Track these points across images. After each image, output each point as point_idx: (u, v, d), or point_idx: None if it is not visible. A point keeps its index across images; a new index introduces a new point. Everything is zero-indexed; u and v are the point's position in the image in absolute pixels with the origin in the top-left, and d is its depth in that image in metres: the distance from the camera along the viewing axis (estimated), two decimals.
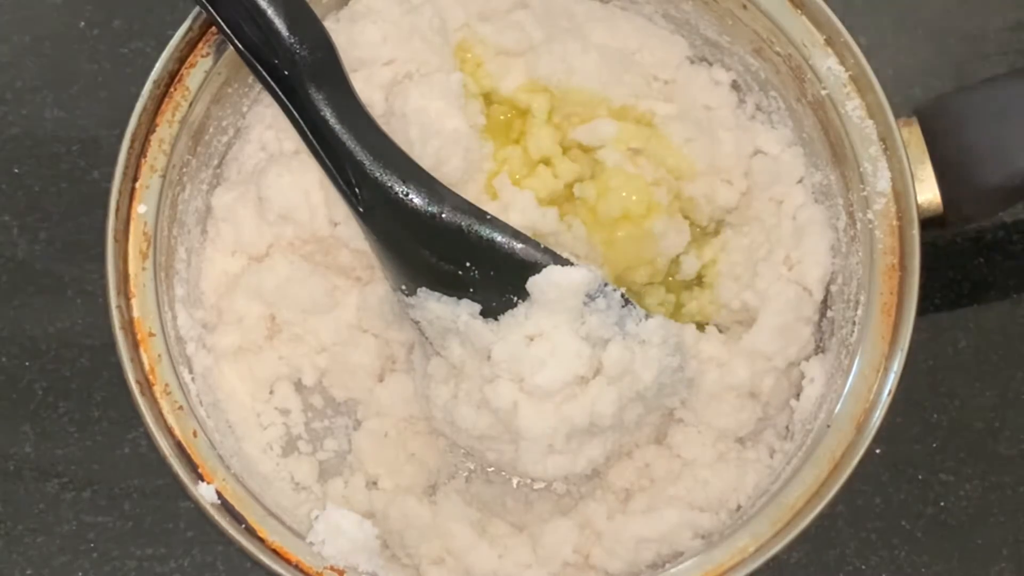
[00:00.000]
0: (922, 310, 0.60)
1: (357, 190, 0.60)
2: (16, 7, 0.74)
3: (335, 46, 0.60)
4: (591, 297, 0.60)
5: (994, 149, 0.60)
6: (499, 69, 0.67)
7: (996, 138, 0.60)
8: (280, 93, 0.60)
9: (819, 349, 0.64)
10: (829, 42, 0.62)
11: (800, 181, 0.66)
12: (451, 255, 0.60)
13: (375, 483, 0.65)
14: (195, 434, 0.59)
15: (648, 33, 0.68)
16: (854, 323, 0.61)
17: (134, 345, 0.60)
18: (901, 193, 0.61)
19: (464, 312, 0.60)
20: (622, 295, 0.61)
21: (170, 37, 0.62)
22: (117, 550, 0.68)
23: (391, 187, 0.60)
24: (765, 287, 0.64)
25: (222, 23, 0.59)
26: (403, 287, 0.62)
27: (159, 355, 0.60)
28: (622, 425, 0.61)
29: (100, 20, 0.74)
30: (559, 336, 0.59)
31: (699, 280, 0.67)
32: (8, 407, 0.69)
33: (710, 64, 0.68)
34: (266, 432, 0.65)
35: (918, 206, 0.60)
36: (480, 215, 0.60)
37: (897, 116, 0.62)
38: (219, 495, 0.58)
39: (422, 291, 0.61)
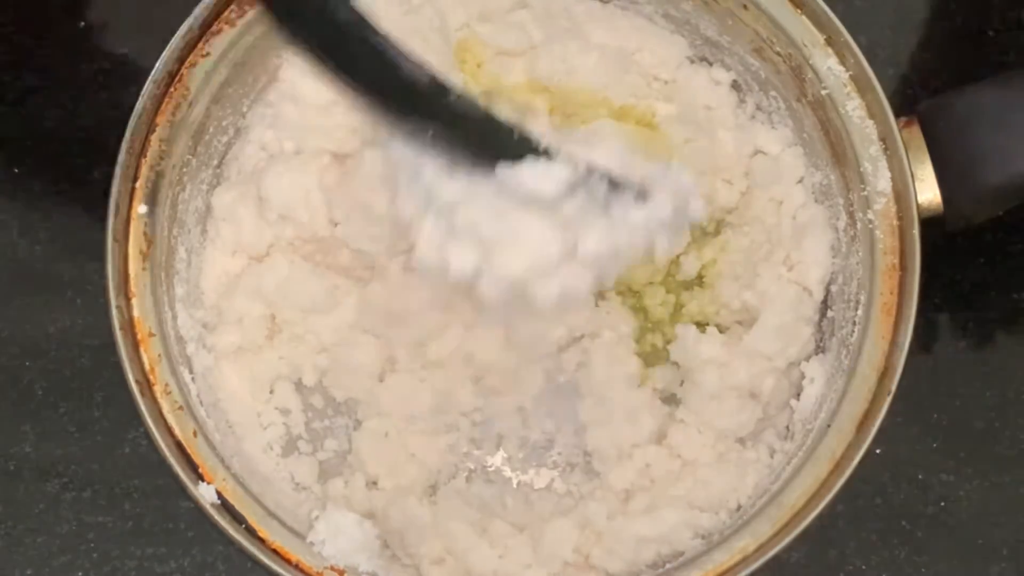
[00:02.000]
0: (922, 310, 0.60)
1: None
2: (16, 7, 0.74)
3: None
4: (571, 189, 0.54)
5: (994, 149, 0.60)
6: (499, 69, 0.67)
7: (996, 138, 0.60)
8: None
9: (819, 349, 0.65)
10: (829, 42, 0.62)
11: (800, 181, 0.66)
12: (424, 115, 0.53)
13: (375, 483, 0.65)
14: (195, 434, 0.59)
15: (648, 33, 0.68)
16: (854, 323, 0.61)
17: (134, 345, 0.60)
18: (901, 193, 0.61)
19: (430, 163, 0.54)
20: (610, 180, 0.55)
21: (170, 37, 0.62)
22: (117, 550, 0.68)
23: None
24: (765, 287, 0.64)
25: None
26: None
27: (159, 355, 0.60)
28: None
29: (100, 20, 0.73)
30: (528, 221, 0.54)
31: (699, 280, 0.67)
32: (8, 407, 0.69)
33: (710, 64, 0.68)
34: (266, 432, 0.65)
35: (918, 206, 0.60)
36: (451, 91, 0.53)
37: (897, 116, 0.62)
38: (219, 495, 0.58)
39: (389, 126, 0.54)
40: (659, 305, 0.66)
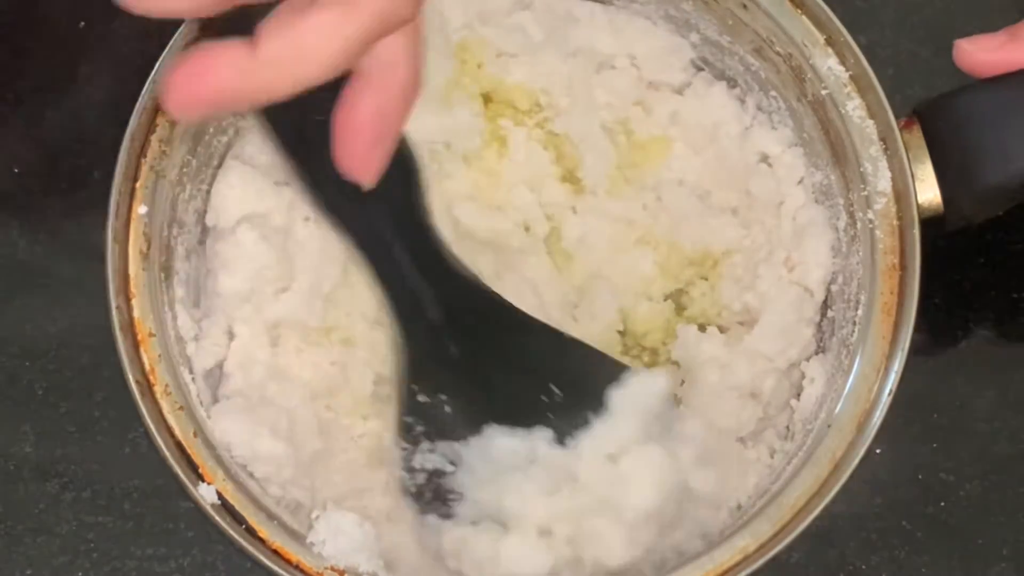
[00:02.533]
0: (922, 310, 0.60)
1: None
2: (16, 7, 0.74)
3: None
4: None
5: (994, 149, 0.60)
6: (500, 70, 0.67)
7: (996, 138, 0.60)
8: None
9: (820, 349, 0.64)
10: (829, 42, 0.62)
11: (800, 182, 0.66)
12: (532, 378, 0.56)
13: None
14: (195, 434, 0.59)
15: (650, 34, 0.68)
16: (855, 323, 0.61)
17: (134, 345, 0.60)
18: (901, 193, 0.61)
19: (541, 441, 0.56)
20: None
21: (170, 37, 0.62)
22: (117, 550, 0.68)
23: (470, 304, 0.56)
24: (766, 288, 0.64)
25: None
26: (455, 426, 0.56)
27: (159, 355, 0.60)
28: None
29: (100, 20, 0.73)
30: (646, 449, 0.56)
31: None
32: (8, 407, 0.69)
33: (714, 77, 0.68)
34: None
35: (918, 206, 0.60)
36: (554, 330, 0.57)
37: (897, 116, 0.62)
38: (219, 495, 0.58)
39: (490, 428, 0.56)
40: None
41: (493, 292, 0.57)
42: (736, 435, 0.64)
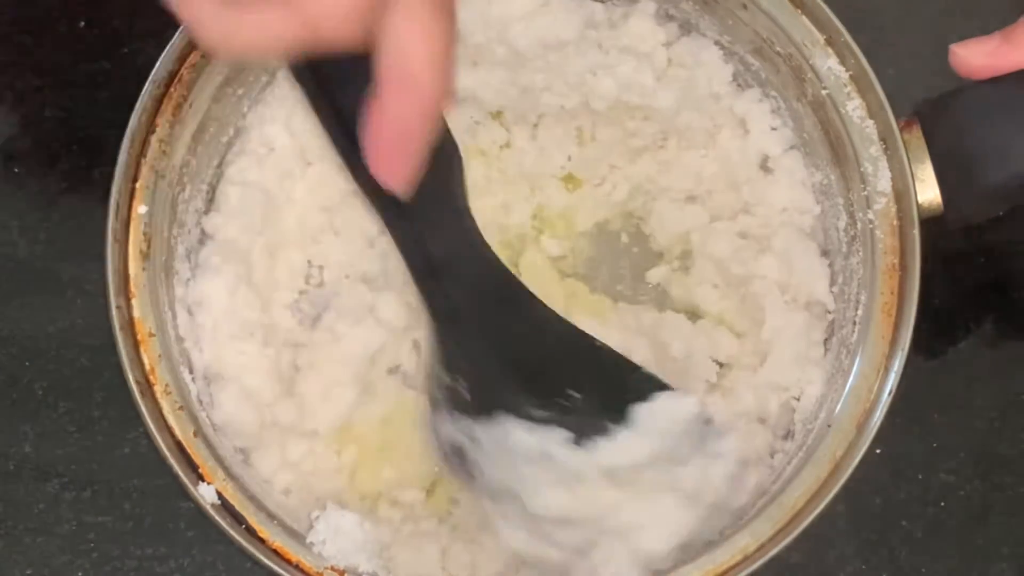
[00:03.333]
0: (922, 310, 0.60)
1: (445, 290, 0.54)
2: (16, 7, 0.74)
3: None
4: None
5: (994, 149, 0.60)
6: None
7: (996, 138, 0.60)
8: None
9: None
10: (829, 42, 0.62)
11: (801, 182, 0.66)
12: (551, 376, 0.55)
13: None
14: (195, 434, 0.59)
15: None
16: (854, 323, 0.61)
17: (134, 345, 0.60)
18: (902, 193, 0.61)
19: (555, 441, 0.55)
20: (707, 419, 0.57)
21: (170, 37, 0.62)
22: (117, 550, 0.68)
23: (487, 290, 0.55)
24: (774, 321, 0.64)
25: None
26: (471, 407, 0.55)
27: (159, 355, 0.60)
28: None
29: (100, 20, 0.73)
30: (656, 484, 0.55)
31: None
32: (8, 407, 0.69)
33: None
34: None
35: (918, 206, 0.60)
36: (584, 334, 0.56)
37: (897, 116, 0.62)
38: (219, 495, 0.58)
39: (502, 416, 0.55)
40: None
41: (522, 285, 0.56)
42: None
